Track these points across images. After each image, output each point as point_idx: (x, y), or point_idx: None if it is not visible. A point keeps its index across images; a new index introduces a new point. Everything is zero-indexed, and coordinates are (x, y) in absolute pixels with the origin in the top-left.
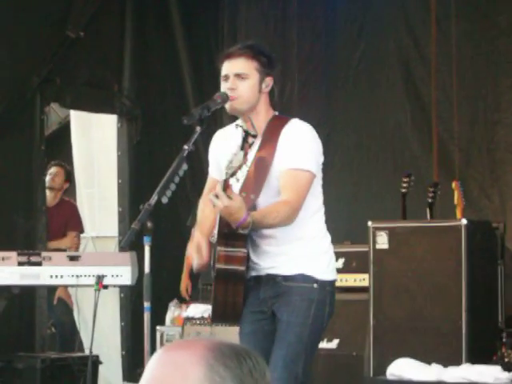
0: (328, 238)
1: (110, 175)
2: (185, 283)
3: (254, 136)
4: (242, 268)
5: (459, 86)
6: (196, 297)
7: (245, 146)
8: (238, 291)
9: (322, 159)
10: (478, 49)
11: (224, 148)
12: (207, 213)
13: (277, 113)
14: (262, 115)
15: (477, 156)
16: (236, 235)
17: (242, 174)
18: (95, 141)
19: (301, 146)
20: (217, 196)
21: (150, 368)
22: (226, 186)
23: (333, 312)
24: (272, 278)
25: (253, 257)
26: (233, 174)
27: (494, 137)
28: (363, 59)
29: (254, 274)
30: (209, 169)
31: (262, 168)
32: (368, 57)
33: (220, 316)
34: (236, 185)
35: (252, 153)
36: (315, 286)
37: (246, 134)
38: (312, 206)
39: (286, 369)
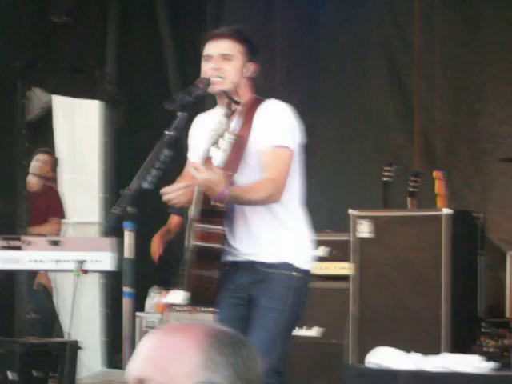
0: (308, 224)
1: (92, 161)
2: (156, 244)
3: (238, 103)
4: (219, 246)
5: (442, 76)
6: (177, 283)
7: (228, 112)
8: (213, 269)
9: (300, 139)
10: (462, 38)
11: (204, 132)
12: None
13: (256, 96)
14: (243, 98)
15: (459, 146)
16: (214, 212)
17: (224, 143)
18: (78, 126)
19: (278, 123)
20: (197, 169)
21: (145, 347)
22: (206, 160)
23: (307, 301)
24: (250, 265)
25: (231, 241)
26: (214, 143)
27: (477, 126)
28: (346, 47)
29: (230, 258)
30: (188, 153)
31: (239, 146)
32: (351, 45)
33: (194, 297)
34: (218, 155)
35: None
36: (295, 273)
37: (230, 101)
38: (292, 189)
39: (262, 354)
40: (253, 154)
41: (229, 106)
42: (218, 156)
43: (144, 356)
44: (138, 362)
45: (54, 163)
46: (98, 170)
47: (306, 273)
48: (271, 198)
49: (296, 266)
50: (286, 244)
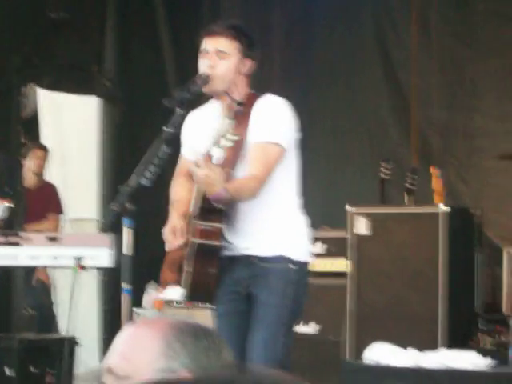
0: (304, 218)
1: (85, 156)
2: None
3: (240, 104)
4: (219, 243)
5: (438, 72)
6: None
7: (231, 113)
8: (212, 268)
9: (295, 134)
10: (457, 34)
11: (197, 129)
12: (184, 193)
13: (253, 91)
14: (239, 95)
15: (455, 142)
16: (213, 210)
17: (226, 143)
18: (65, 120)
19: (271, 119)
20: (197, 165)
21: (115, 343)
22: (206, 158)
23: (307, 293)
24: (247, 259)
25: (227, 235)
26: (216, 143)
27: (472, 123)
28: (342, 43)
29: (227, 253)
30: (181, 150)
31: (237, 143)
32: (347, 40)
33: (193, 294)
34: (218, 153)
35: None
36: (292, 266)
37: (232, 102)
38: (287, 184)
39: (266, 349)
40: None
41: (230, 107)
42: (218, 153)
43: (114, 348)
44: (110, 354)
45: (47, 157)
46: (93, 165)
47: (303, 265)
48: (252, 195)
49: (292, 258)
50: (282, 237)
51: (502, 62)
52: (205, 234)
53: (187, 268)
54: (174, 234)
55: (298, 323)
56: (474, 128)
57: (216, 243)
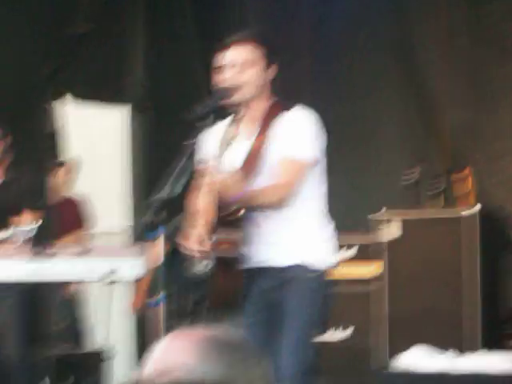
0: (329, 225)
1: (114, 167)
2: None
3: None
4: (235, 255)
5: (462, 73)
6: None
7: (235, 121)
8: (237, 278)
9: (322, 145)
10: (479, 34)
11: (209, 148)
12: (204, 203)
13: (277, 99)
14: (263, 102)
15: (484, 144)
16: (231, 220)
17: (238, 154)
18: (94, 132)
19: (298, 134)
20: (209, 172)
21: (151, 357)
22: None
23: (332, 298)
24: (266, 271)
25: (246, 248)
26: (223, 152)
27: (497, 123)
28: (365, 46)
29: (247, 266)
30: (197, 165)
31: (255, 155)
32: (369, 43)
33: (219, 306)
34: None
35: (252, 139)
36: (313, 274)
37: (235, 108)
38: (313, 194)
39: (293, 356)
40: (269, 162)
41: (236, 114)
42: (234, 161)
43: (153, 360)
44: (147, 366)
45: (69, 172)
46: (126, 176)
47: (322, 273)
48: (281, 203)
49: (311, 267)
50: (299, 246)
51: None
52: (226, 245)
53: (211, 283)
54: (199, 243)
55: (324, 331)
56: (498, 129)
57: (234, 255)
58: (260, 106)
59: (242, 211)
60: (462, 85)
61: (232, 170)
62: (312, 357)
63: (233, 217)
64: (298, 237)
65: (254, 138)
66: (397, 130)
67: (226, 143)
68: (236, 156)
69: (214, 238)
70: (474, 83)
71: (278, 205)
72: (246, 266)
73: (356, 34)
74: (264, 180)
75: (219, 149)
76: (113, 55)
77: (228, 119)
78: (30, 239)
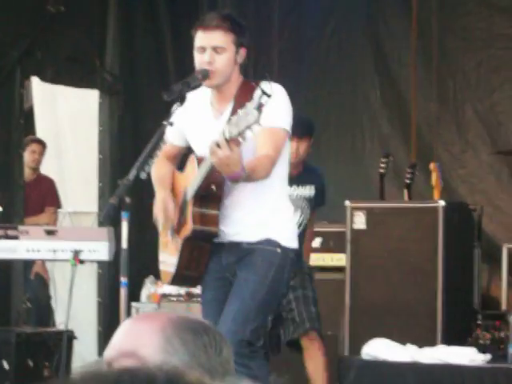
0: (291, 205)
1: (84, 150)
2: None
3: (269, 96)
4: (216, 229)
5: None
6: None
7: (260, 105)
8: (204, 252)
9: (291, 122)
10: (448, 25)
11: (189, 114)
12: (164, 173)
13: (245, 78)
14: (233, 83)
15: (450, 136)
16: (212, 197)
17: (210, 131)
18: (63, 113)
19: (275, 105)
20: (218, 145)
21: (115, 337)
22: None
23: (290, 280)
24: (236, 245)
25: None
26: (240, 133)
27: (465, 116)
28: (335, 35)
29: (216, 240)
30: (167, 134)
31: None
32: (340, 33)
33: (181, 277)
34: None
35: (224, 117)
36: (278, 250)
37: (262, 93)
38: (278, 171)
39: (235, 323)
40: (249, 138)
41: (259, 98)
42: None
43: (114, 345)
44: (110, 348)
45: (44, 150)
46: (91, 158)
47: (291, 251)
48: (267, 175)
49: (280, 243)
50: (271, 223)
51: (491, 53)
52: (202, 220)
53: (179, 253)
54: (165, 212)
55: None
56: (466, 121)
57: (213, 229)
58: (231, 86)
59: (221, 190)
60: (428, 78)
61: (236, 147)
62: (257, 328)
63: (213, 193)
64: (268, 213)
65: (228, 116)
66: (368, 121)
67: (245, 129)
68: (211, 133)
69: (193, 211)
70: (438, 75)
71: (265, 178)
72: (215, 240)
73: (327, 21)
74: (245, 156)
75: (239, 129)
76: (82, 38)
77: (201, 93)
78: None
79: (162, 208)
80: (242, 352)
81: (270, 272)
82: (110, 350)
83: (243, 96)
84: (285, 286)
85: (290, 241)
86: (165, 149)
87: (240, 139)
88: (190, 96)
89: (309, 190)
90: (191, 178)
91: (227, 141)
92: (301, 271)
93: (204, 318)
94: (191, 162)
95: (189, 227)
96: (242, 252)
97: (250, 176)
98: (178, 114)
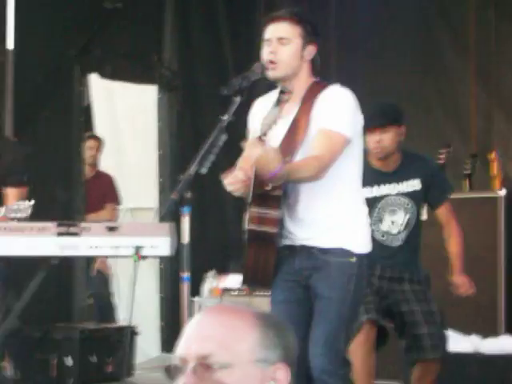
0: (365, 209)
1: (144, 146)
2: None
3: (289, 92)
4: (274, 230)
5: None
6: (234, 268)
7: (279, 102)
8: (269, 253)
9: (359, 125)
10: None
11: (262, 115)
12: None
13: (317, 79)
14: (303, 82)
15: (509, 126)
16: (270, 196)
17: (276, 133)
18: (122, 110)
19: (336, 109)
20: (251, 145)
21: (200, 326)
22: (259, 139)
23: (366, 285)
24: (307, 250)
25: (288, 225)
26: (266, 132)
27: None
28: (387, 29)
29: (288, 243)
30: (248, 136)
31: (298, 131)
32: (392, 26)
33: (250, 279)
34: (274, 138)
35: (290, 118)
36: (353, 260)
37: (281, 91)
38: (350, 174)
39: (327, 345)
40: (310, 140)
41: (280, 97)
42: (274, 139)
43: (204, 334)
44: (197, 340)
45: (101, 146)
46: (151, 154)
47: (363, 257)
48: (314, 176)
49: (354, 251)
50: (343, 229)
51: None
52: (260, 220)
53: (245, 253)
54: (234, 181)
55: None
56: None
57: (271, 230)
58: (300, 86)
59: (280, 190)
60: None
61: (270, 147)
62: (347, 344)
63: (271, 193)
64: (340, 218)
65: (293, 117)
66: (428, 112)
67: (269, 124)
68: (276, 134)
69: (251, 212)
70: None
71: (314, 178)
72: (284, 242)
73: (380, 16)
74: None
75: (262, 127)
76: (140, 34)
77: (275, 91)
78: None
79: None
80: (343, 372)
81: (350, 285)
82: (198, 341)
83: (312, 96)
84: (363, 294)
85: (364, 246)
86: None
87: (263, 138)
88: (267, 98)
89: (412, 186)
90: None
91: (258, 139)
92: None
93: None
94: None
95: (246, 227)
96: (315, 261)
97: (291, 176)
98: (254, 115)
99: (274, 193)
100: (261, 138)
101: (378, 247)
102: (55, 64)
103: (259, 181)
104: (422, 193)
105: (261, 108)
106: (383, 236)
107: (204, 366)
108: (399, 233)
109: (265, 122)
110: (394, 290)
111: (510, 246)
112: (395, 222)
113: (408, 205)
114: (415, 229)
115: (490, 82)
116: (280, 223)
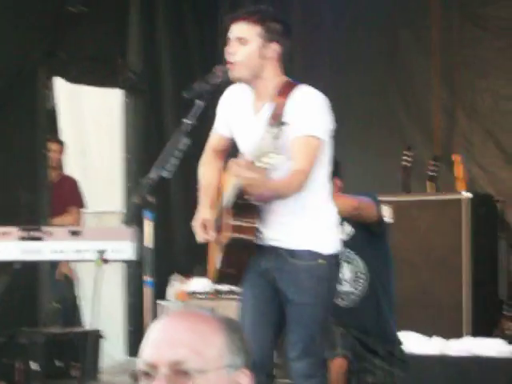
0: (334, 209)
1: (108, 149)
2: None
3: (283, 124)
4: (252, 238)
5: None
6: (200, 272)
7: (276, 133)
8: (246, 253)
9: (330, 127)
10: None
11: (233, 105)
12: (212, 175)
13: (288, 78)
14: (270, 81)
15: (472, 128)
16: (248, 206)
17: (268, 162)
18: (86, 113)
19: (309, 112)
20: (243, 167)
21: (168, 331)
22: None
23: (336, 285)
24: (275, 250)
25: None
26: (258, 159)
27: (484, 105)
28: (353, 30)
29: (257, 242)
30: (215, 124)
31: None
32: (359, 27)
33: (224, 274)
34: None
35: (261, 117)
36: (322, 261)
37: (278, 123)
38: (321, 176)
39: (305, 350)
40: (285, 141)
41: (277, 125)
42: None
43: (174, 339)
44: (168, 346)
45: (63, 149)
46: (118, 158)
47: (332, 258)
48: (298, 190)
49: (323, 253)
50: (310, 231)
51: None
52: (239, 228)
53: (218, 261)
54: (204, 228)
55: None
56: (485, 110)
57: (250, 238)
58: (266, 85)
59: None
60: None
61: (261, 169)
62: (323, 346)
63: (251, 202)
64: (309, 220)
65: (265, 117)
66: (391, 114)
67: (266, 152)
68: (248, 131)
69: (228, 221)
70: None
71: (298, 191)
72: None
73: (343, 16)
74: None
75: (256, 153)
76: (105, 38)
77: (240, 86)
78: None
79: (202, 225)
80: (322, 374)
81: (320, 288)
82: (169, 347)
83: (282, 97)
84: (334, 294)
85: (332, 246)
86: (212, 140)
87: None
88: (240, 88)
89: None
90: (230, 183)
91: (251, 164)
92: None
93: (242, 313)
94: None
95: (227, 235)
96: (283, 263)
97: (281, 195)
98: (225, 102)
99: (253, 202)
100: (253, 163)
101: None
102: (19, 67)
103: (240, 193)
104: None
105: (233, 97)
106: None
107: (179, 372)
108: None
109: (261, 149)
110: None
111: (475, 247)
112: None
113: None
114: None
115: (454, 84)
116: (258, 231)
